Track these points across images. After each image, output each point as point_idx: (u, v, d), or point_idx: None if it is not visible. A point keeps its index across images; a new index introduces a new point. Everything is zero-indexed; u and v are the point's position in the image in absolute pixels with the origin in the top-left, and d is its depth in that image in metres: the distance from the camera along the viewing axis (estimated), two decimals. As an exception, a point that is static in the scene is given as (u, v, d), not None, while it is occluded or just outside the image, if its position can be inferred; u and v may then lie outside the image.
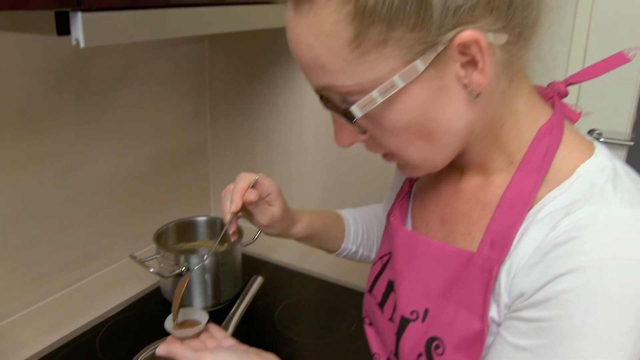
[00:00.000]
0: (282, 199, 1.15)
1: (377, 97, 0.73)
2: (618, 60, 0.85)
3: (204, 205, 2.34)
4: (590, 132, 1.87)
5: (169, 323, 1.14)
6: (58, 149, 1.66)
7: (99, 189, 1.82)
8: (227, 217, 1.09)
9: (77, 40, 0.97)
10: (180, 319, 1.17)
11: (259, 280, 1.44)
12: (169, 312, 1.15)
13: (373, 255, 1.33)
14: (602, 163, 0.78)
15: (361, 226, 1.33)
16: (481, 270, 0.80)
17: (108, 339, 1.55)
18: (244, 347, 1.05)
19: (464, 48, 0.70)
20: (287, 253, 1.99)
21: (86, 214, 1.79)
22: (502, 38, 0.72)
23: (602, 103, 1.84)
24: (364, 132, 0.82)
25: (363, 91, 0.74)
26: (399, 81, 0.71)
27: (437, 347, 0.85)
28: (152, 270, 1.58)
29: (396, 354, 0.93)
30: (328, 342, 1.56)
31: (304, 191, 2.12)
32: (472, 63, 0.72)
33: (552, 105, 0.86)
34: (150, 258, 1.65)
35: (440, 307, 0.86)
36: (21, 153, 1.57)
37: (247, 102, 2.14)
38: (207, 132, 2.27)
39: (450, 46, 0.70)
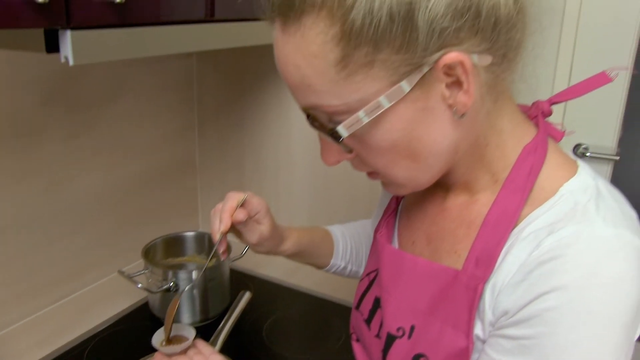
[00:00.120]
0: (270, 217, 1.16)
1: (363, 117, 0.74)
2: (600, 80, 0.86)
3: (192, 220, 2.34)
4: (577, 147, 1.88)
5: (156, 339, 1.15)
6: (46, 164, 1.66)
7: (87, 203, 1.81)
8: (217, 237, 1.09)
9: (67, 58, 0.97)
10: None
11: (247, 296, 1.45)
12: (157, 328, 1.15)
13: (362, 271, 1.34)
14: (585, 182, 0.79)
15: (350, 242, 1.33)
16: (466, 288, 0.81)
17: (96, 354, 1.55)
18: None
19: (449, 69, 0.71)
20: (275, 268, 1.99)
21: (74, 229, 1.79)
22: (487, 59, 0.73)
23: (588, 118, 1.85)
24: (350, 151, 0.83)
25: (349, 111, 0.74)
26: (384, 101, 0.72)
27: (423, 363, 0.86)
28: (140, 285, 1.58)
29: (383, 370, 0.93)
30: (316, 357, 1.56)
31: (292, 206, 2.12)
32: (457, 84, 0.73)
33: (537, 125, 0.87)
34: (139, 273, 1.65)
35: (426, 324, 0.87)
36: (10, 167, 1.57)
37: (235, 118, 2.15)
38: (195, 147, 2.27)
39: (436, 67, 0.71)
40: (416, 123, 0.75)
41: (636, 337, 0.75)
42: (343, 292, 1.82)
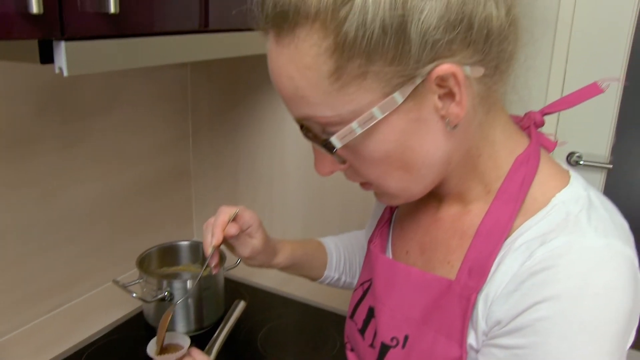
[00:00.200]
0: (263, 230, 1.16)
1: (356, 128, 0.74)
2: (592, 91, 0.87)
3: (187, 230, 2.34)
4: (570, 155, 1.90)
5: (151, 348, 1.15)
6: (41, 173, 1.66)
7: (81, 213, 1.81)
8: (209, 251, 1.10)
9: (61, 69, 0.97)
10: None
11: (241, 305, 1.45)
12: (152, 337, 1.15)
13: (356, 282, 1.34)
14: (577, 192, 0.80)
15: (343, 253, 1.34)
16: (459, 298, 0.81)
17: (90, 363, 1.55)
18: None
19: (441, 81, 0.72)
20: (270, 277, 1.99)
21: (69, 239, 1.79)
22: (479, 71, 0.74)
23: (581, 127, 1.86)
24: (344, 161, 0.83)
25: (342, 122, 0.75)
26: (377, 113, 0.73)
27: (417, 373, 0.86)
28: (134, 295, 1.58)
29: (377, 380, 0.94)
30: (310, 366, 1.56)
31: (286, 215, 2.13)
32: (449, 95, 0.73)
33: (529, 135, 0.88)
34: (133, 283, 1.64)
35: (420, 334, 0.87)
36: (5, 177, 1.56)
37: (229, 127, 2.15)
38: (189, 156, 2.27)
39: (428, 79, 0.71)
40: (409, 134, 0.76)
41: (628, 345, 0.76)
42: (338, 301, 1.82)
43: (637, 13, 1.72)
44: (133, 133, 1.95)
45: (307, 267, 1.30)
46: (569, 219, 0.75)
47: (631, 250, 0.75)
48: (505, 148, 0.84)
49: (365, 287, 1.05)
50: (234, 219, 1.12)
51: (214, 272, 1.14)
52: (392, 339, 0.91)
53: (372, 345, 0.96)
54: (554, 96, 1.79)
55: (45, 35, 0.94)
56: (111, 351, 1.60)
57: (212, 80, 2.14)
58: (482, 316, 0.79)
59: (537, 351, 0.72)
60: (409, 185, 0.83)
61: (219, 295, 1.75)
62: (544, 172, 0.83)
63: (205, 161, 2.26)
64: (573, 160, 1.90)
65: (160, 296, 1.58)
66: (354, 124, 0.74)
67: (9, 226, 1.60)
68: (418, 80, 0.71)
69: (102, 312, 1.79)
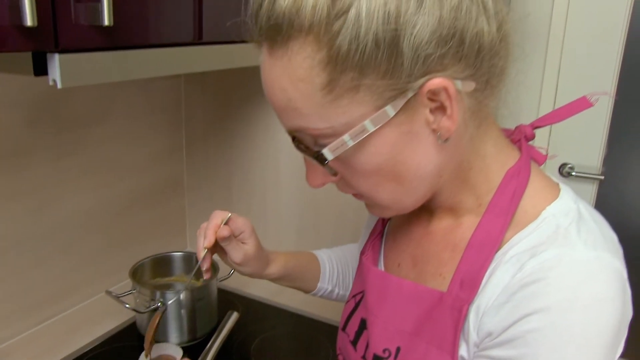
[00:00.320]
0: (255, 237, 1.16)
1: (348, 140, 0.75)
2: (581, 105, 0.88)
3: (180, 241, 2.34)
4: (562, 166, 1.91)
5: (144, 359, 1.15)
6: (35, 184, 1.66)
7: (74, 224, 1.81)
8: (201, 254, 1.10)
9: (55, 81, 0.97)
10: (154, 354, 1.17)
11: (234, 316, 1.44)
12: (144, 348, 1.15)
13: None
14: (567, 205, 0.80)
15: (336, 266, 1.34)
16: (451, 310, 0.82)
17: (83, 375, 1.54)
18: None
19: (433, 95, 0.72)
20: (263, 288, 1.98)
21: (62, 249, 1.79)
22: (470, 85, 0.74)
23: (573, 138, 1.87)
24: (335, 173, 0.83)
25: (335, 134, 0.75)
26: (369, 125, 0.73)
27: (409, 385, 0.87)
28: (127, 306, 1.58)
29: (369, 391, 0.94)
30: (303, 378, 1.56)
31: (280, 225, 2.13)
32: (441, 109, 0.74)
33: (520, 148, 0.89)
34: (126, 294, 1.64)
35: (412, 346, 0.87)
36: (-3, 188, 1.57)
37: (223, 138, 2.15)
38: (183, 168, 2.27)
39: (420, 93, 0.72)
40: (401, 147, 0.76)
41: (617, 356, 0.76)
42: (331, 312, 1.82)
43: (627, 28, 1.74)
44: (127, 144, 1.95)
45: (300, 279, 1.30)
46: (559, 231, 0.76)
47: (620, 263, 0.75)
48: (496, 162, 0.85)
49: (358, 299, 1.05)
50: (227, 223, 1.12)
51: (205, 276, 1.14)
52: (384, 351, 0.91)
53: (364, 357, 0.97)
54: (545, 110, 1.81)
55: (39, 48, 0.94)
56: (104, 362, 1.60)
57: (206, 91, 2.14)
58: (474, 328, 0.79)
59: (528, 363, 0.72)
60: (400, 198, 0.83)
61: (212, 306, 1.74)
62: (534, 185, 0.83)
63: (198, 172, 2.26)
64: (565, 171, 1.91)
65: (153, 307, 1.58)
66: (346, 137, 0.75)
67: (3, 237, 1.60)
68: (410, 94, 0.72)
69: (95, 322, 1.78)
